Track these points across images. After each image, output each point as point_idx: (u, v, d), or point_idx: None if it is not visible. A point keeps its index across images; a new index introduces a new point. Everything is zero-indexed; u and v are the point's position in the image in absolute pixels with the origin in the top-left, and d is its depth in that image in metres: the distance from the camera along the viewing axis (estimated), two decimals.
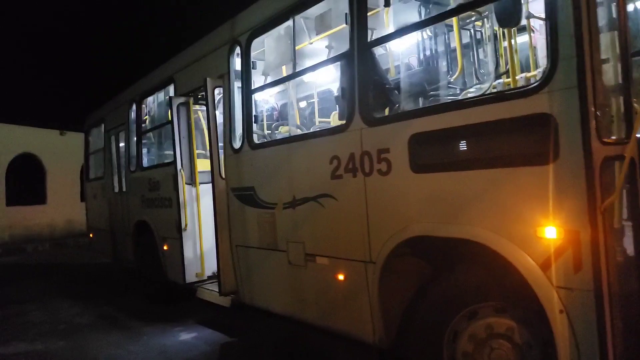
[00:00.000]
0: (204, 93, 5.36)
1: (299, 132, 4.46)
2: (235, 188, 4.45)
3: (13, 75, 15.69)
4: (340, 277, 3.27)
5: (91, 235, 9.19)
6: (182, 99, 5.48)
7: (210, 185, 5.51)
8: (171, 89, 5.86)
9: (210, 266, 5.54)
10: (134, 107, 6.85)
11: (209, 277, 5.54)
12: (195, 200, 5.51)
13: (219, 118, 4.82)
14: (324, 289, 3.47)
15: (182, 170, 5.41)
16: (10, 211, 14.87)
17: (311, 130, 4.09)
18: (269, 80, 4.37)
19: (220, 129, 4.74)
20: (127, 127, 7.06)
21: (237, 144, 4.45)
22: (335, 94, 4.10)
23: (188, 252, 5.41)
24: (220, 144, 4.74)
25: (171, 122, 5.46)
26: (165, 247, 5.94)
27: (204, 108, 5.67)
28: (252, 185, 4.18)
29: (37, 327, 5.76)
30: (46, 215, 15.85)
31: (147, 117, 6.75)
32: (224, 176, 4.69)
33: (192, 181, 5.52)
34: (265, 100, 5.33)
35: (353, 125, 3.09)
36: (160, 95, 6.29)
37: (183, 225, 5.38)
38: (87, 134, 9.32)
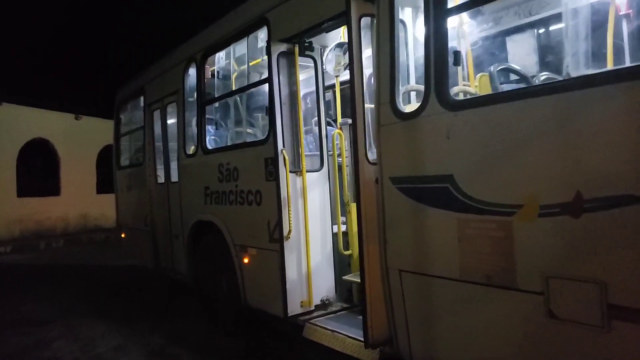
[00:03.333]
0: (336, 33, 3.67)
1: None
2: (400, 178, 2.72)
3: (24, 50, 13.99)
4: None
5: (123, 235, 7.50)
6: (284, 47, 3.75)
7: (318, 174, 3.88)
8: (260, 36, 4.15)
9: (319, 291, 3.85)
10: (193, 69, 5.13)
11: (317, 307, 3.84)
12: (300, 195, 3.79)
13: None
14: None
15: (284, 152, 3.69)
16: (22, 203, 13.26)
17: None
18: None
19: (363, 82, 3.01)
20: (180, 97, 5.35)
21: (405, 105, 2.75)
22: None
23: (291, 270, 3.70)
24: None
25: (269, 79, 3.74)
26: (245, 261, 4.24)
27: (311, 62, 3.96)
28: (448, 172, 2.45)
29: None
30: (59, 208, 14.24)
31: (214, 80, 5.02)
32: (372, 159, 2.97)
33: (297, 168, 3.80)
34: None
35: None
36: (240, 48, 4.54)
37: (285, 231, 3.67)
38: (119, 111, 7.60)
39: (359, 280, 3.10)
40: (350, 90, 2.94)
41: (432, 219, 2.55)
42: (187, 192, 5.26)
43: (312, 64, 3.95)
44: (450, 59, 2.49)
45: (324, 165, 3.96)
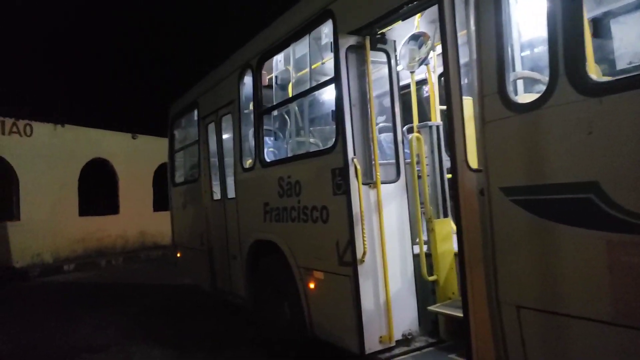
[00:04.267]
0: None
1: None
2: (516, 188, 2.14)
3: (83, 74, 14.48)
4: None
5: (179, 254, 7.24)
6: (353, 40, 3.27)
7: (395, 186, 3.33)
8: (325, 31, 3.70)
9: (400, 324, 3.28)
10: (248, 76, 4.76)
11: (398, 342, 3.26)
12: (375, 210, 3.26)
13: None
14: None
15: (355, 161, 3.18)
16: (83, 222, 13.52)
17: None
18: None
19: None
20: (236, 107, 4.99)
21: (521, 95, 2.18)
22: None
23: (367, 299, 3.16)
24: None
25: (336, 78, 3.26)
26: (311, 285, 3.74)
27: (382, 58, 3.44)
28: (591, 178, 1.85)
29: None
30: (118, 226, 14.44)
31: (272, 87, 4.62)
32: (474, 165, 2.40)
33: (370, 179, 3.28)
34: None
35: None
36: (300, 49, 4.10)
37: (359, 253, 3.14)
38: (172, 126, 7.41)
39: (460, 315, 2.53)
40: (445, 82, 2.40)
41: (566, 241, 1.94)
42: (245, 209, 4.86)
43: (385, 60, 3.43)
44: (588, 30, 1.90)
45: (401, 175, 3.41)
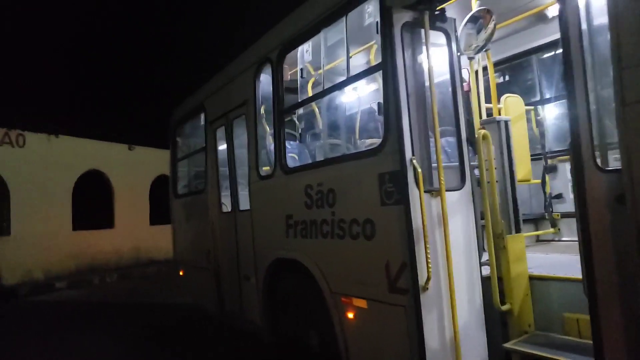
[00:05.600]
0: None
1: None
2: None
3: (79, 83, 13.88)
4: None
5: (181, 272, 6.56)
6: (409, 15, 2.67)
7: (459, 194, 2.72)
8: (368, 9, 3.12)
9: None
10: (267, 72, 4.16)
11: None
12: (439, 224, 2.64)
13: None
14: None
15: (414, 162, 2.56)
16: (77, 236, 12.82)
17: None
18: None
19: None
20: (251, 108, 4.38)
21: None
22: None
23: (431, 335, 2.52)
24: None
25: (385, 63, 2.66)
26: (349, 315, 3.09)
27: (442, 38, 2.86)
28: None
29: None
30: (113, 240, 13.75)
31: (296, 83, 4.02)
32: (603, 164, 1.79)
33: (431, 185, 2.67)
34: None
35: None
36: (333, 34, 3.49)
37: (422, 279, 2.51)
38: (174, 133, 6.78)
39: (548, 356, 1.89)
40: (564, 57, 1.79)
41: None
42: (262, 222, 4.23)
43: (444, 42, 2.84)
44: None
45: (466, 181, 2.80)
